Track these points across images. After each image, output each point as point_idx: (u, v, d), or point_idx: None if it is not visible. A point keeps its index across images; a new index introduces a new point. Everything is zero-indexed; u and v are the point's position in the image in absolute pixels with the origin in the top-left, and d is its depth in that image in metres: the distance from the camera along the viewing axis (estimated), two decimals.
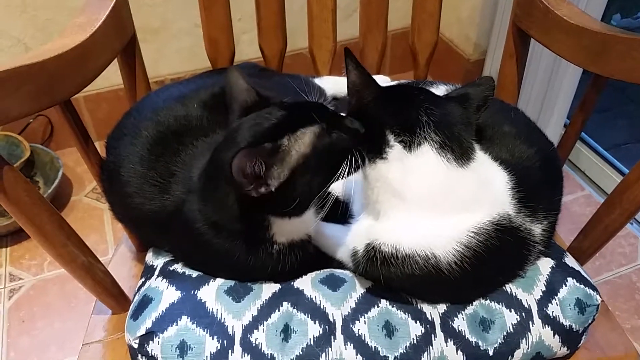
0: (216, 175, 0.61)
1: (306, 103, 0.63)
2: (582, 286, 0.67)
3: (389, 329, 0.62)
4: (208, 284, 0.66)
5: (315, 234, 0.70)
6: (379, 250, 0.61)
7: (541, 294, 0.66)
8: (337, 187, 0.76)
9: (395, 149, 0.60)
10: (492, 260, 0.61)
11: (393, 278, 0.61)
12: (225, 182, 0.56)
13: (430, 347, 0.62)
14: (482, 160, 0.63)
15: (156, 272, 0.71)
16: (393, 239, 0.61)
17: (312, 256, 0.68)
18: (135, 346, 0.63)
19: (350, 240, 0.67)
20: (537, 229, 0.65)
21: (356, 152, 0.60)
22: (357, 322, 0.62)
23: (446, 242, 0.60)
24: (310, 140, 0.58)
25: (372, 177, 0.62)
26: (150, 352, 0.62)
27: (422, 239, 0.60)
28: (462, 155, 0.61)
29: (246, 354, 0.61)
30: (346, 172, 0.60)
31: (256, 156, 0.54)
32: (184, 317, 0.62)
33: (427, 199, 0.61)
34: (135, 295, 0.71)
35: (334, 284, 0.66)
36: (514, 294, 0.66)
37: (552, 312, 0.65)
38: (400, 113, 0.62)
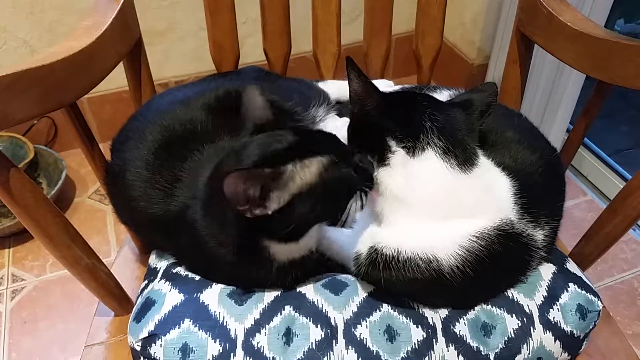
0: (217, 189, 0.61)
1: (321, 132, 0.63)
2: (583, 292, 0.67)
3: (391, 334, 0.62)
4: (211, 287, 0.67)
5: (319, 237, 0.70)
6: (381, 253, 0.61)
7: (542, 299, 0.66)
8: None
9: (398, 155, 0.61)
10: (494, 266, 0.61)
11: (394, 282, 0.61)
12: (222, 198, 0.55)
13: (432, 352, 0.62)
14: (485, 166, 0.64)
15: (159, 275, 0.71)
16: (395, 243, 0.61)
17: (311, 272, 0.68)
18: (138, 349, 0.64)
19: (353, 244, 0.67)
20: (539, 235, 0.65)
21: (362, 192, 0.60)
22: (358, 326, 0.63)
23: (448, 246, 0.60)
24: (317, 170, 0.57)
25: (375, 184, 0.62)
26: (152, 355, 0.62)
27: (424, 242, 0.60)
28: (466, 161, 0.61)
29: (248, 357, 0.61)
30: (349, 209, 0.59)
31: (252, 179, 0.54)
32: (187, 320, 0.63)
33: (429, 204, 0.61)
34: (138, 297, 0.71)
35: (336, 288, 0.66)
36: (515, 299, 0.66)
37: (554, 317, 0.65)
38: (404, 119, 0.62)
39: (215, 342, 0.61)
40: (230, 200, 0.54)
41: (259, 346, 0.61)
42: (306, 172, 0.57)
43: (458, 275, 0.60)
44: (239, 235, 0.62)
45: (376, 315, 0.63)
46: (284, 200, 0.57)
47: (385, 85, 1.00)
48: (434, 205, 0.61)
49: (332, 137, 0.63)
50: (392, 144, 0.61)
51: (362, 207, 0.61)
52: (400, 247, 0.60)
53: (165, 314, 0.64)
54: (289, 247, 0.63)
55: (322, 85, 0.96)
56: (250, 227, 0.60)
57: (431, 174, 0.60)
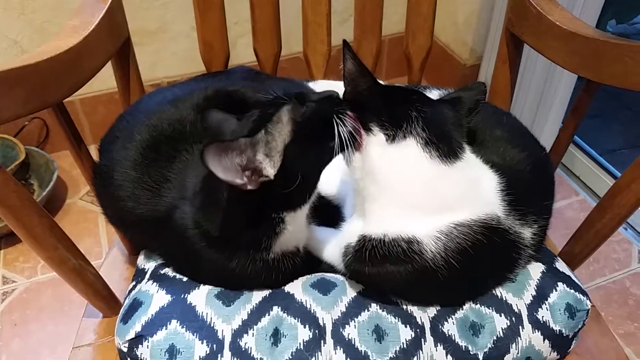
0: (217, 187, 0.61)
1: (276, 96, 0.64)
2: (572, 291, 0.67)
3: (379, 333, 0.62)
4: (198, 288, 0.66)
5: (307, 238, 0.70)
6: (369, 239, 0.61)
7: (531, 298, 0.66)
8: (330, 191, 0.76)
9: (379, 138, 0.61)
10: (480, 260, 0.61)
11: (380, 275, 0.61)
12: (219, 183, 0.55)
13: (420, 352, 0.62)
14: (471, 161, 0.64)
15: (147, 276, 0.71)
16: (380, 229, 0.61)
17: (301, 266, 0.68)
18: (125, 350, 0.63)
19: (341, 239, 0.66)
20: (527, 233, 0.65)
21: (339, 116, 0.60)
22: (347, 326, 0.62)
23: (428, 229, 0.60)
24: (287, 117, 0.59)
25: (356, 157, 0.63)
26: (139, 356, 0.62)
27: (406, 227, 0.60)
28: (449, 154, 0.61)
29: (236, 358, 0.60)
30: (343, 137, 0.59)
31: (231, 148, 0.54)
32: (174, 321, 0.62)
33: (407, 192, 0.61)
34: (125, 298, 0.70)
35: (324, 288, 0.66)
36: (504, 299, 0.66)
37: (542, 316, 0.65)
38: (391, 106, 0.62)
39: (202, 343, 0.61)
40: (220, 173, 0.53)
41: (246, 347, 0.61)
42: (279, 125, 0.58)
43: (442, 265, 0.59)
44: (248, 225, 0.62)
45: (364, 315, 0.63)
46: (277, 160, 0.58)
47: None
48: (412, 194, 0.61)
49: (285, 92, 0.64)
50: (375, 128, 0.61)
51: (349, 132, 0.60)
52: (385, 232, 0.60)
53: (152, 315, 0.64)
54: (301, 215, 0.64)
55: (312, 85, 0.95)
56: (261, 204, 0.60)
57: (407, 161, 0.60)
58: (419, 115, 0.61)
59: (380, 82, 1.00)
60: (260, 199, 0.59)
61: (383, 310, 0.64)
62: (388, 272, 0.61)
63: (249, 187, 0.56)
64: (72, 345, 0.73)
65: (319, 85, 0.96)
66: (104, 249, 1.44)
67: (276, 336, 0.62)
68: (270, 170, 0.57)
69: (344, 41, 0.64)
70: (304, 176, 0.59)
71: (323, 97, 0.62)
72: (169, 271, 0.70)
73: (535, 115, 1.55)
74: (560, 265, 0.72)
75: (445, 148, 0.61)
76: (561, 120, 1.55)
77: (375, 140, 0.61)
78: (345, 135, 0.60)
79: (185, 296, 0.65)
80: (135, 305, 0.66)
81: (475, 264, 0.61)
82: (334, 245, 0.68)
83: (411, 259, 0.59)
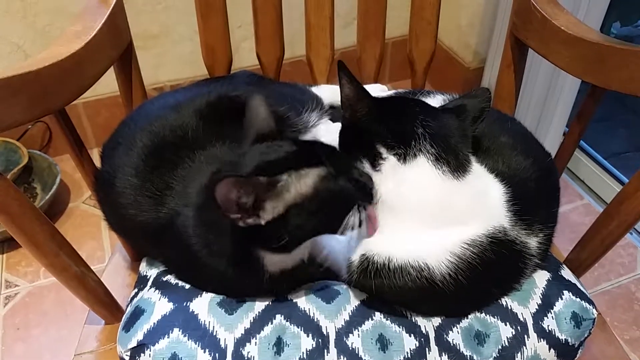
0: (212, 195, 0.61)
1: (320, 144, 0.62)
2: (578, 299, 0.66)
3: (383, 343, 0.61)
4: (200, 296, 0.66)
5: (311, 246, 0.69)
6: (372, 261, 0.61)
7: (537, 307, 0.65)
8: None
9: (390, 161, 0.60)
10: (487, 274, 0.61)
11: (386, 290, 0.61)
12: (215, 205, 0.54)
13: None
14: (478, 172, 0.63)
15: (149, 283, 0.70)
16: (386, 250, 0.60)
17: (302, 281, 0.68)
18: (127, 358, 0.63)
19: (345, 251, 0.66)
20: (533, 242, 0.65)
21: (360, 208, 0.58)
22: (350, 335, 0.62)
23: (439, 253, 0.59)
24: (313, 181, 0.56)
25: None
26: None
27: (415, 250, 0.59)
28: (458, 168, 0.60)
29: None
30: (346, 224, 0.58)
31: (245, 186, 0.53)
32: (176, 330, 0.62)
33: (421, 211, 0.60)
34: (127, 306, 0.70)
35: (328, 296, 0.66)
36: (509, 307, 0.65)
37: (548, 325, 0.64)
38: (395, 125, 0.61)
39: (204, 352, 0.60)
40: (222, 206, 0.53)
41: (249, 356, 0.60)
42: (302, 182, 0.56)
43: (450, 283, 0.59)
44: (233, 243, 0.61)
45: (368, 324, 0.63)
46: (278, 210, 0.55)
47: (379, 89, 0.99)
48: (425, 212, 0.60)
49: (332, 150, 0.62)
50: (383, 150, 0.60)
51: (359, 224, 0.59)
52: (391, 255, 0.60)
53: (154, 323, 0.63)
54: (282, 257, 0.62)
55: (315, 89, 0.95)
56: (244, 236, 0.59)
57: (423, 181, 0.59)
58: (425, 131, 0.60)
59: (384, 86, 1.01)
60: (245, 231, 0.57)
61: (387, 319, 0.63)
62: (393, 288, 0.60)
63: (240, 224, 0.55)
64: (74, 351, 0.72)
65: (322, 90, 0.96)
66: (107, 252, 1.44)
67: (279, 345, 0.61)
68: (267, 216, 0.55)
69: (340, 63, 0.62)
70: (291, 237, 0.57)
71: (359, 181, 0.59)
72: (171, 278, 0.70)
73: (539, 120, 1.54)
74: (566, 273, 0.71)
75: (454, 163, 0.60)
76: (565, 125, 1.54)
77: (387, 166, 0.60)
78: (354, 224, 0.58)
79: (188, 304, 0.64)
80: (137, 313, 0.65)
81: (482, 277, 0.61)
82: (337, 257, 0.68)
83: (419, 282, 0.59)
